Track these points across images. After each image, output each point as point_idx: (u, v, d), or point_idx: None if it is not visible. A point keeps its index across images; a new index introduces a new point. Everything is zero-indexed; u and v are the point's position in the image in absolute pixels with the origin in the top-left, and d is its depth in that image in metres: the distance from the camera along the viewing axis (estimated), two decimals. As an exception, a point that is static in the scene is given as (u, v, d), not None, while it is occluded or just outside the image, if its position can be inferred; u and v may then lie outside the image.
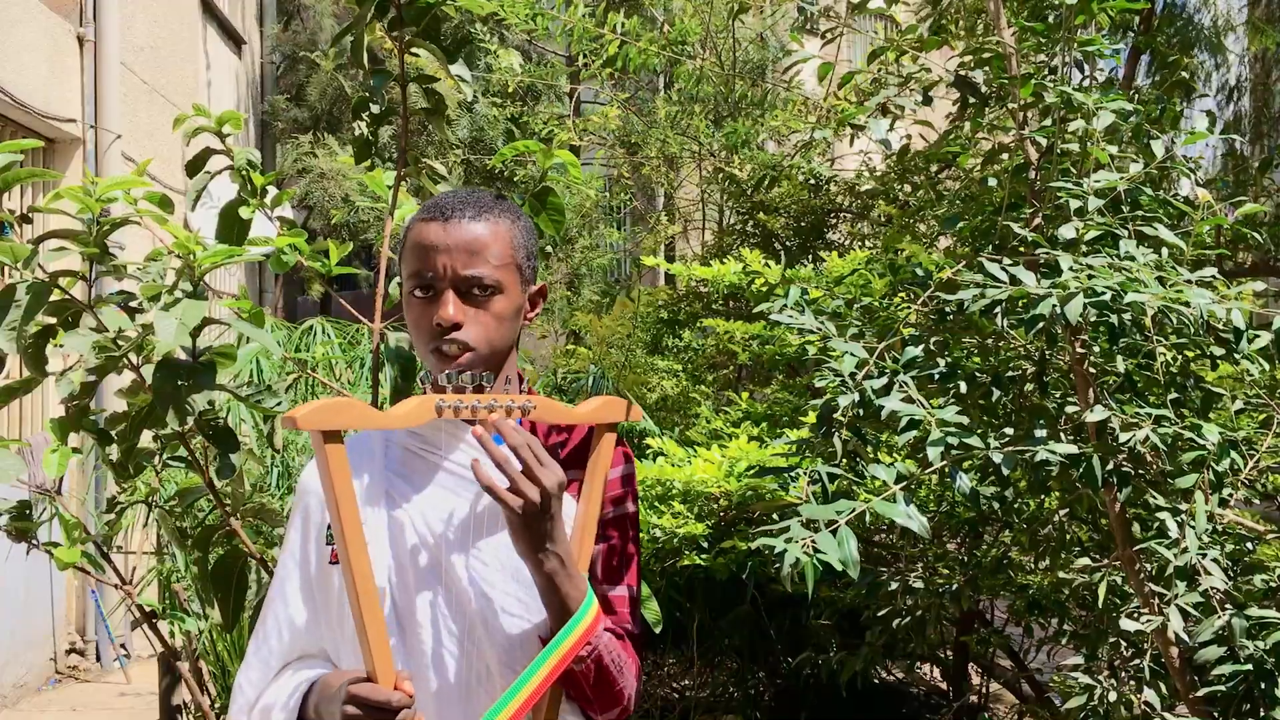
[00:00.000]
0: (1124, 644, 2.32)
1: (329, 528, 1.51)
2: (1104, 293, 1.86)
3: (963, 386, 2.11)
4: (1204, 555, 1.94)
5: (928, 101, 2.49)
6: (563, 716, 1.51)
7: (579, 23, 4.48)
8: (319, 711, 1.46)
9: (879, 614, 2.89)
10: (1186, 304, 1.85)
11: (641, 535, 2.05)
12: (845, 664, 3.11)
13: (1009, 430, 2.10)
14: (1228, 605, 1.95)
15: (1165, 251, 2.14)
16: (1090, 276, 1.91)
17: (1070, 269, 1.96)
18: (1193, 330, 1.96)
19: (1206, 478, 1.94)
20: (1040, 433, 2.02)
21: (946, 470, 1.97)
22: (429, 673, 1.47)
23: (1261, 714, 1.91)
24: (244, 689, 1.54)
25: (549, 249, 2.29)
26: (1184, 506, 1.98)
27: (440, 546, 1.49)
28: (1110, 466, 1.96)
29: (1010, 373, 2.24)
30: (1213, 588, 1.93)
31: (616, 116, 5.54)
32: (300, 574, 1.54)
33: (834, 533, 1.78)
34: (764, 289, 3.60)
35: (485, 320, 1.51)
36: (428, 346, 1.51)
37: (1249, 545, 2.34)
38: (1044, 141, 2.29)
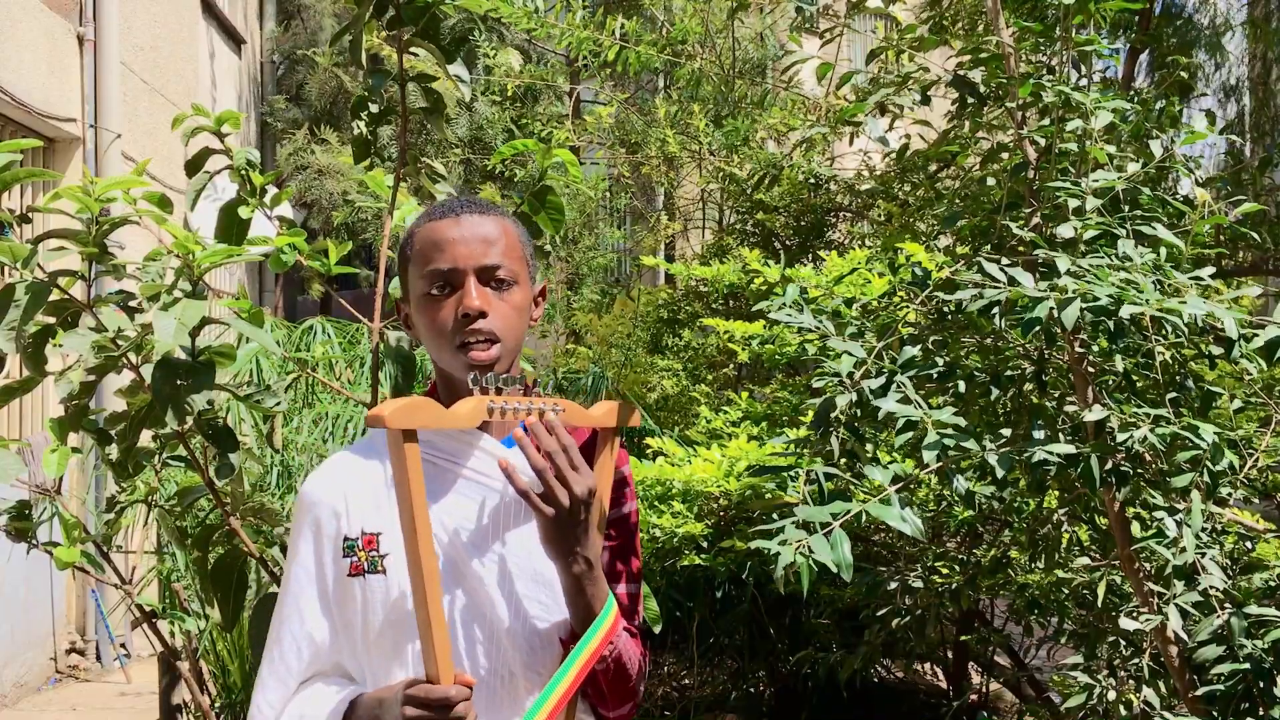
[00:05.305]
0: (1123, 643, 2.32)
1: (345, 540, 1.49)
2: (1102, 299, 1.86)
3: (961, 386, 2.11)
4: (1203, 554, 1.94)
5: (926, 101, 2.49)
6: (578, 715, 1.52)
7: (578, 29, 4.49)
8: None
9: (878, 613, 2.89)
10: (1181, 315, 1.84)
11: (641, 535, 2.06)
12: (844, 662, 3.12)
13: (1007, 430, 2.09)
14: (1227, 604, 1.95)
15: (1164, 251, 2.13)
16: (1088, 282, 1.90)
17: (1068, 272, 1.95)
18: (1189, 331, 1.95)
19: (1201, 477, 1.94)
20: (1039, 432, 2.02)
21: (945, 470, 1.97)
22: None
23: (1260, 713, 1.91)
24: (263, 710, 1.49)
25: (548, 248, 2.29)
26: (1181, 506, 1.98)
27: (463, 552, 1.48)
28: (1109, 466, 1.96)
29: (1009, 372, 2.23)
30: (1212, 586, 1.93)
31: (610, 115, 5.54)
32: (316, 589, 1.50)
33: (828, 535, 1.78)
34: (763, 288, 3.60)
35: (506, 311, 1.50)
36: (453, 343, 1.48)
37: (1248, 544, 2.34)
38: (1042, 141, 2.29)
